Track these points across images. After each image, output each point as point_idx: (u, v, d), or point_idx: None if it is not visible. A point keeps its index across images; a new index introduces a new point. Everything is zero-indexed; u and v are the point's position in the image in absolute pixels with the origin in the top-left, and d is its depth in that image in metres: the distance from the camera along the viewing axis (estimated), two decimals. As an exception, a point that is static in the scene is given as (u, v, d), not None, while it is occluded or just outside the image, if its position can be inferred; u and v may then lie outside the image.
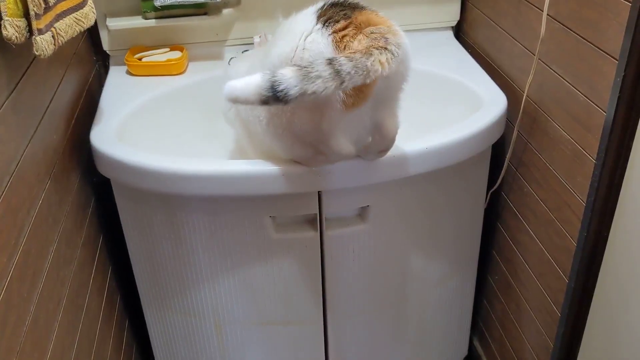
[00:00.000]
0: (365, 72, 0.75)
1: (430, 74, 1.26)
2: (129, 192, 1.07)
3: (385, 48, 0.77)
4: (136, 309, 1.25)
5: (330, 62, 0.75)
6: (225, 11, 1.30)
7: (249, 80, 0.76)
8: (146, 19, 1.27)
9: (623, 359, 0.93)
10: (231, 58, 1.33)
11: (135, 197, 1.07)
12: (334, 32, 0.80)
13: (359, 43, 0.78)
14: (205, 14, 1.29)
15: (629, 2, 0.81)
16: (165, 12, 1.26)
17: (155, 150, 1.03)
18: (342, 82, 0.75)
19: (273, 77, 0.74)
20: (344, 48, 0.79)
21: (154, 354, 1.28)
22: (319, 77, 0.74)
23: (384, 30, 0.79)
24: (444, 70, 1.27)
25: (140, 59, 1.29)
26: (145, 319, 1.23)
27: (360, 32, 0.79)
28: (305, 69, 0.74)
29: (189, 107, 1.26)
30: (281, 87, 0.74)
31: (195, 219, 1.05)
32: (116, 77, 1.29)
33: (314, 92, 0.74)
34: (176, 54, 1.30)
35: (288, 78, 0.74)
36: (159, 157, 1.00)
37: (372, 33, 0.78)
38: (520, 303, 1.25)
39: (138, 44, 1.32)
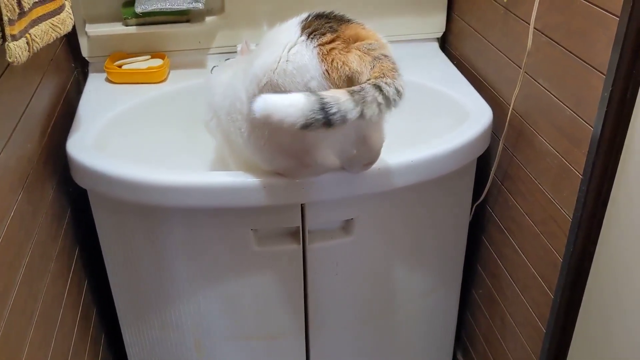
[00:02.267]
0: (401, 94, 0.75)
1: (415, 86, 1.25)
2: (107, 203, 1.04)
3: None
4: (113, 323, 1.21)
5: (377, 86, 0.74)
6: (209, 19, 1.28)
7: (290, 98, 0.71)
8: (127, 25, 1.24)
9: (609, 377, 0.92)
10: (214, 67, 1.31)
11: (113, 208, 1.04)
12: (320, 45, 0.78)
13: (360, 61, 0.76)
14: (187, 21, 1.27)
15: (617, 16, 0.80)
16: (146, 19, 1.24)
17: (134, 161, 1.01)
18: (390, 107, 0.74)
19: (322, 99, 0.71)
20: (332, 62, 0.77)
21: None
22: (374, 101, 0.73)
23: (377, 45, 0.77)
24: (430, 81, 1.26)
25: (120, 67, 1.26)
26: (122, 333, 1.20)
27: (351, 47, 0.78)
28: (359, 93, 0.73)
29: (170, 116, 1.23)
30: (334, 110, 0.71)
31: (175, 231, 1.02)
32: (95, 84, 1.26)
33: (370, 117, 0.72)
34: (157, 62, 1.28)
35: (343, 101, 0.71)
36: (138, 167, 0.97)
37: (369, 50, 0.77)
38: (504, 317, 1.24)
39: (118, 50, 1.29)
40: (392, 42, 0.82)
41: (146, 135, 1.18)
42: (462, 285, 1.33)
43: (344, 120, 0.71)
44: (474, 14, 1.27)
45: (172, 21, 1.26)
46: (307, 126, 0.71)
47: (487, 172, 1.20)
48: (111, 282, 1.15)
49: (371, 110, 0.73)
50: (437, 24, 1.39)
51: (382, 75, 0.74)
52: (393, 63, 0.76)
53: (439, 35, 1.41)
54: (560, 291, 1.00)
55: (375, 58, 0.76)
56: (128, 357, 1.22)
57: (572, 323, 1.00)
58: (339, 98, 0.72)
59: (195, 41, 1.32)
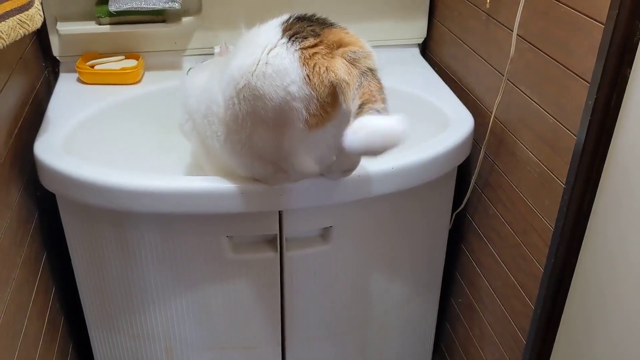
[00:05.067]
0: None
1: (396, 91, 1.22)
2: (76, 207, 1.00)
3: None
4: (82, 332, 1.17)
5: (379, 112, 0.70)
6: (185, 19, 1.25)
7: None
8: (100, 24, 1.21)
9: (589, 389, 0.91)
10: (190, 68, 1.28)
11: (82, 213, 1.00)
12: (302, 48, 0.75)
13: (348, 71, 0.73)
14: (163, 21, 1.23)
15: (602, 23, 0.79)
16: (120, 18, 1.20)
17: (105, 164, 0.97)
18: None
19: None
20: (314, 66, 0.74)
21: (100, 380, 1.20)
22: None
23: (361, 54, 0.75)
24: (410, 88, 1.24)
25: (92, 67, 1.22)
26: (91, 343, 1.16)
27: (334, 53, 0.75)
28: None
29: (144, 119, 1.19)
30: None
31: (147, 237, 0.99)
32: (66, 84, 1.22)
33: None
34: (131, 63, 1.24)
35: None
36: (108, 171, 0.93)
37: (354, 60, 0.74)
38: (483, 327, 1.22)
39: (91, 50, 1.25)
40: (373, 47, 0.80)
41: (118, 138, 1.15)
42: (441, 294, 1.32)
43: None
44: (455, 20, 1.26)
45: (147, 21, 1.22)
46: None
47: (467, 180, 1.19)
48: (80, 290, 1.10)
49: None
50: (418, 29, 1.38)
51: (375, 100, 0.70)
52: (379, 82, 0.74)
53: (420, 41, 1.40)
54: (541, 302, 0.98)
55: (362, 73, 0.73)
56: (97, 367, 1.18)
57: (553, 335, 0.99)
58: None
59: (171, 42, 1.29)
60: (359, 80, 0.72)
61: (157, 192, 0.91)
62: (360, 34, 0.81)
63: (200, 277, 1.03)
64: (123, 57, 1.25)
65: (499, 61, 1.08)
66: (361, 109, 0.69)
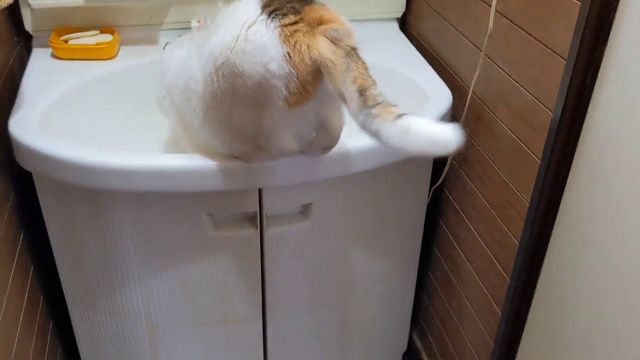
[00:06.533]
0: None
1: (375, 66, 1.21)
2: (53, 186, 0.99)
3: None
4: (62, 311, 1.16)
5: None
6: (161, -7, 1.23)
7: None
8: (74, -2, 1.18)
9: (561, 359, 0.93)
10: (166, 43, 1.26)
11: (60, 192, 0.99)
12: (283, 25, 0.75)
13: (332, 51, 0.74)
14: (139, -5, 1.21)
15: (579, 1, 0.79)
16: (94, -8, 1.18)
17: (82, 142, 0.96)
18: None
19: None
20: (294, 44, 0.74)
21: (82, 358, 1.20)
22: None
23: (343, 32, 0.75)
24: (389, 63, 1.24)
25: (66, 42, 1.20)
26: (72, 322, 1.16)
27: (315, 30, 0.75)
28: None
29: (120, 95, 1.18)
30: None
31: (126, 216, 0.98)
32: (40, 60, 1.19)
33: None
34: (107, 37, 1.21)
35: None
36: (86, 149, 0.92)
37: (336, 39, 0.74)
38: (460, 300, 1.25)
39: (65, 24, 1.22)
40: (351, 21, 0.80)
41: (95, 115, 1.13)
42: (419, 267, 1.34)
43: None
44: (434, -5, 1.26)
45: (122, -5, 1.20)
46: None
47: (446, 156, 1.20)
48: (59, 269, 1.10)
49: None
50: (396, 3, 1.37)
51: (372, 84, 0.71)
52: (364, 62, 0.74)
53: (399, 15, 1.39)
54: (516, 275, 1.01)
55: (347, 54, 0.73)
56: (78, 345, 1.18)
57: (527, 307, 1.01)
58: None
59: (147, 16, 1.26)
60: (345, 61, 0.72)
61: (136, 170, 0.91)
62: (339, 9, 0.81)
63: (180, 254, 1.03)
64: (98, 31, 1.23)
65: (477, 37, 1.08)
66: (366, 95, 0.70)
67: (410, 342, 1.50)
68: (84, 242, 1.03)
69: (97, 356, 1.19)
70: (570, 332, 0.91)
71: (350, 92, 0.71)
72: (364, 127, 0.71)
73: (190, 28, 1.24)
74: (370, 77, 0.73)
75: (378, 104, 0.70)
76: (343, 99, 0.73)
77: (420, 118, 0.68)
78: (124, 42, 1.25)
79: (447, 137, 0.66)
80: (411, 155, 0.70)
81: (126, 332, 1.13)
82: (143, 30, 1.27)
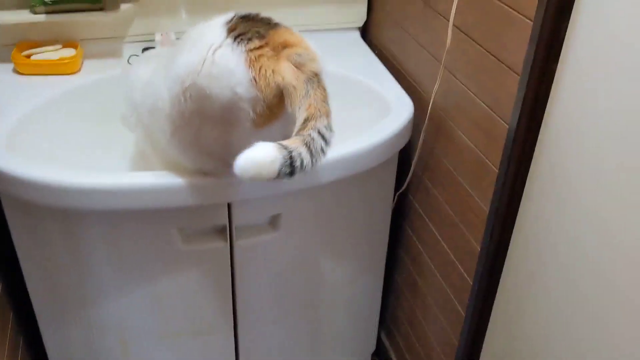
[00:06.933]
0: (332, 133, 0.78)
1: (336, 76, 1.24)
2: (21, 205, 0.99)
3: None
4: (32, 325, 1.16)
5: (320, 134, 0.75)
6: (124, 6, 1.23)
7: (270, 155, 0.72)
8: (35, 13, 1.17)
9: (521, 357, 0.98)
10: (131, 55, 1.26)
11: (28, 211, 0.99)
12: (248, 50, 0.77)
13: (295, 76, 0.77)
14: (101, 9, 1.21)
15: (530, 19, 0.83)
16: (55, 7, 1.17)
17: (49, 160, 0.96)
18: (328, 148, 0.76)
19: (291, 152, 0.73)
20: (260, 69, 0.76)
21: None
22: (321, 150, 0.75)
23: (306, 56, 0.77)
24: (351, 72, 1.26)
25: (29, 57, 1.19)
26: (42, 337, 1.15)
27: (280, 55, 0.77)
28: (312, 144, 0.74)
29: (86, 110, 1.17)
30: (297, 163, 0.73)
31: (96, 233, 0.99)
32: (2, 76, 1.18)
33: (318, 165, 0.75)
34: (70, 52, 1.21)
35: (304, 155, 0.73)
36: (54, 169, 0.92)
37: (300, 64, 0.77)
38: (426, 301, 1.29)
39: (26, 39, 1.22)
40: (313, 31, 0.82)
41: (60, 131, 1.13)
42: (386, 270, 1.37)
43: (304, 170, 0.74)
44: (395, 5, 1.29)
45: (84, 9, 1.19)
46: (277, 177, 0.73)
47: (409, 161, 1.23)
48: (28, 285, 1.09)
49: (320, 159, 0.76)
50: (358, 13, 1.40)
51: (319, 115, 0.74)
52: (324, 89, 0.77)
53: (360, 24, 1.42)
54: (478, 278, 1.05)
55: (308, 80, 0.76)
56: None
57: (489, 308, 1.06)
58: (301, 152, 0.73)
59: (110, 29, 1.26)
60: (305, 87, 0.75)
61: (106, 189, 0.91)
62: (301, 19, 0.82)
63: (151, 269, 1.04)
64: (60, 45, 1.22)
65: (436, 49, 1.12)
66: (305, 124, 0.72)
67: (379, 342, 1.54)
68: (54, 259, 1.03)
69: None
70: (529, 331, 0.95)
71: (300, 118, 0.75)
72: None
73: (153, 40, 1.25)
74: (325, 107, 0.76)
75: (303, 135, 0.74)
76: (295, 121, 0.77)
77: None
78: (87, 56, 1.25)
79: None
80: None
81: (99, 345, 1.14)
82: (106, 43, 1.27)
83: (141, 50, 1.27)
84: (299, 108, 0.74)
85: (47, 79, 1.18)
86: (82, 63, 1.23)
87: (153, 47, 1.28)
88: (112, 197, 0.92)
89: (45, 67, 1.18)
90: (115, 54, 1.28)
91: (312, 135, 0.74)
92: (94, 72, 1.22)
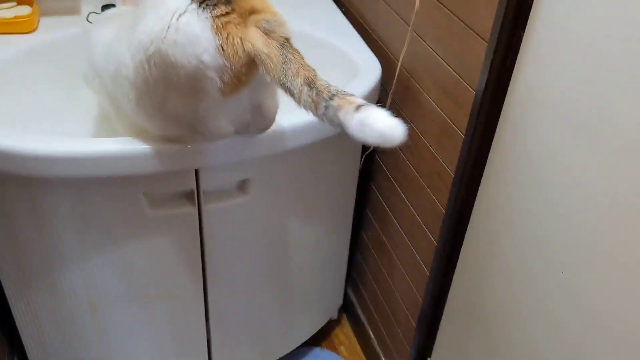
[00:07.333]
0: None
1: (305, 37, 1.22)
2: (-19, 173, 0.97)
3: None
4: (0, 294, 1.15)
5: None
6: (81, -40, 1.18)
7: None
8: (-14, -32, 1.11)
9: (482, 316, 1.02)
10: (90, 13, 1.22)
11: (-11, 178, 0.97)
12: (215, 17, 0.74)
13: (266, 43, 0.74)
14: (57, -37, 1.15)
15: (499, -13, 0.83)
16: (8, -38, 1.11)
17: (8, 125, 0.93)
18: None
19: None
20: (227, 37, 0.74)
21: (23, 342, 1.19)
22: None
23: (275, 23, 0.75)
24: (318, 32, 1.25)
25: (-19, 15, 1.14)
26: (10, 304, 1.14)
27: (247, 21, 0.75)
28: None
29: (45, 71, 1.14)
30: None
31: (61, 201, 0.97)
32: (-47, 35, 1.13)
33: None
34: (25, 9, 1.16)
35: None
36: (14, 135, 0.90)
37: (269, 31, 0.75)
38: (392, 259, 1.32)
39: (-22, -5, 1.16)
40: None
41: (19, 93, 1.09)
42: (353, 228, 1.39)
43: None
44: (362, -37, 1.26)
45: (39, -36, 1.14)
46: None
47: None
48: (-7, 253, 1.08)
49: None
50: (325, -31, 1.37)
51: (312, 77, 0.73)
52: (298, 52, 0.75)
53: (327, -19, 1.39)
54: (443, 239, 1.08)
55: (281, 45, 0.74)
56: (18, 327, 1.17)
57: (453, 268, 1.09)
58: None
59: (67, -16, 1.21)
60: (281, 53, 0.73)
61: (71, 156, 0.89)
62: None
63: (119, 234, 1.04)
64: (15, 3, 1.17)
65: (405, 12, 1.10)
66: (315, 88, 0.72)
67: (346, 296, 1.58)
68: (19, 227, 1.01)
69: (41, 341, 1.18)
70: (491, 290, 0.99)
71: (296, 84, 0.73)
72: (326, 119, 0.73)
73: (113, -3, 1.20)
74: (309, 66, 0.74)
75: (334, 95, 0.72)
76: (287, 90, 0.74)
77: (376, 110, 0.70)
78: (43, 13, 1.20)
79: (396, 133, 0.69)
80: (367, 144, 0.72)
81: (67, 310, 1.14)
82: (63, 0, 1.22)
83: (100, 8, 1.22)
84: (285, 75, 0.73)
85: (3, 38, 1.13)
86: (39, 21, 1.18)
87: (112, 5, 1.24)
88: (77, 165, 0.91)
89: (0, 26, 1.13)
90: (72, 10, 1.23)
91: (331, 90, 0.73)
92: (51, 30, 1.18)
